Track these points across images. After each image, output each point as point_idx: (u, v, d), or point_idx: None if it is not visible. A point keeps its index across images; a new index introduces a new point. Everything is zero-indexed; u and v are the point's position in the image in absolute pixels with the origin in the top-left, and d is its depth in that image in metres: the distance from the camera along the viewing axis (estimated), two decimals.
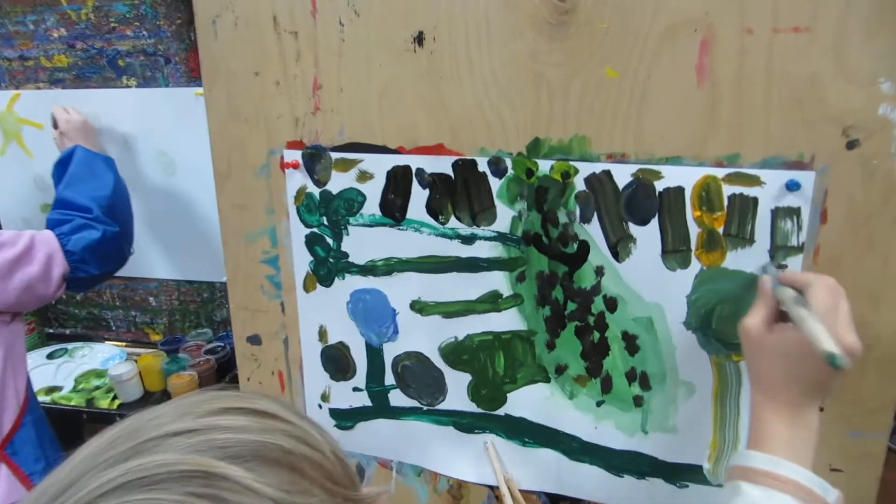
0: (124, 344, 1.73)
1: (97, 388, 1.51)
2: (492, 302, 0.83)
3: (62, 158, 1.23)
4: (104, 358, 1.62)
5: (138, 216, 1.33)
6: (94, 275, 1.12)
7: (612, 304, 0.77)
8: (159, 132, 1.60)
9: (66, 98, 1.59)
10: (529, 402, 0.85)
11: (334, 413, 0.97)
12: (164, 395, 1.44)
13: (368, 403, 0.95)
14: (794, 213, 0.67)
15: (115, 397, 1.46)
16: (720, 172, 0.69)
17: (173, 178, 1.58)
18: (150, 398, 1.47)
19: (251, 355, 1.01)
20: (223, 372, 1.50)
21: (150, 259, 1.64)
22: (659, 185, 0.72)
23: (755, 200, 0.68)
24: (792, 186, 0.66)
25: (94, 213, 1.13)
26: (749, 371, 0.65)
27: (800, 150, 0.66)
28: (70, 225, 1.09)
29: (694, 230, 0.71)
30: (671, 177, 0.71)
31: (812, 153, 0.66)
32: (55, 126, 1.34)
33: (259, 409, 0.41)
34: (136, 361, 1.50)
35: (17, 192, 1.77)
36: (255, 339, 1.00)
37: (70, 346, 1.70)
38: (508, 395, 0.86)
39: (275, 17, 0.84)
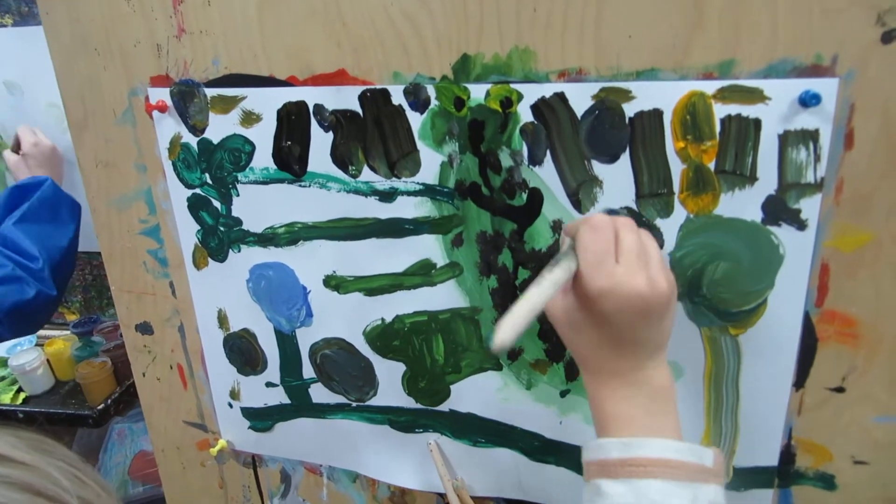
0: None
1: (1, 378, 1.33)
2: (424, 274, 0.66)
3: (24, 185, 1.01)
4: (10, 345, 1.44)
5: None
6: (2, 337, 0.93)
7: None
8: (46, 79, 1.37)
9: None
10: (478, 394, 0.69)
11: (247, 413, 0.81)
12: (77, 386, 1.27)
13: (287, 401, 0.78)
14: (809, 137, 0.50)
15: (20, 390, 1.29)
16: (710, 87, 0.52)
17: (68, 134, 1.37)
18: (62, 388, 1.30)
19: (143, 347, 0.84)
20: None
21: None
22: (629, 109, 0.54)
23: (757, 123, 0.51)
24: (807, 100, 0.49)
25: (39, 265, 0.94)
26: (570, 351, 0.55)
27: (818, 48, 0.49)
28: (1, 271, 0.89)
29: (677, 167, 0.54)
30: (644, 97, 0.53)
31: (834, 53, 0.49)
32: (16, 149, 1.13)
33: None
34: (43, 348, 1.32)
35: None
36: (145, 328, 0.83)
37: None
38: (452, 386, 0.70)
39: None
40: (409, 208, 0.64)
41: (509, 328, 0.44)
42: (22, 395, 1.28)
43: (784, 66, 0.50)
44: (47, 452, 0.36)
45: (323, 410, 0.77)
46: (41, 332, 1.45)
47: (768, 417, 0.60)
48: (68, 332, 1.39)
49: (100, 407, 1.19)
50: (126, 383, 1.26)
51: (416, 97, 0.60)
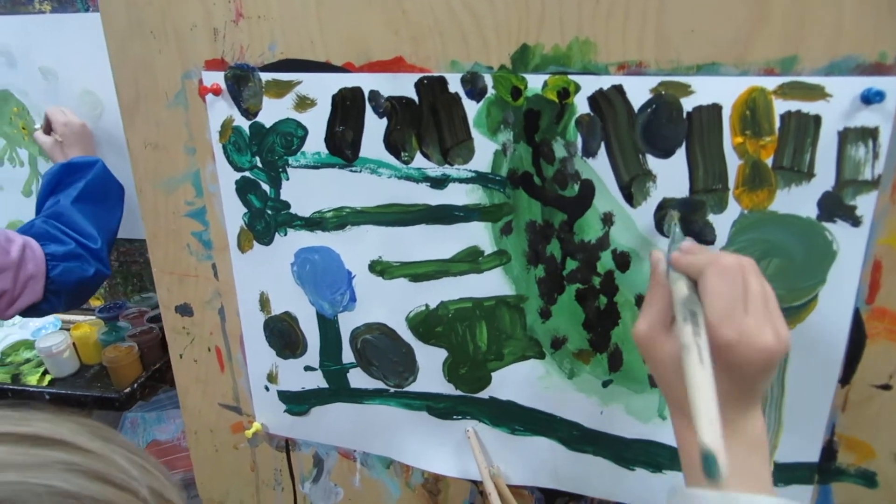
0: None
1: (27, 361, 1.34)
2: (471, 261, 0.67)
3: (75, 163, 1.03)
4: (36, 328, 1.45)
5: None
6: (55, 310, 0.95)
7: (623, 260, 0.61)
8: (82, 67, 1.39)
9: None
10: (519, 382, 0.70)
11: (284, 396, 0.82)
12: (103, 370, 1.28)
13: (324, 385, 0.79)
14: (869, 134, 0.51)
15: (45, 372, 1.30)
16: (771, 83, 0.52)
17: (102, 120, 1.38)
18: (87, 372, 1.31)
19: (182, 328, 0.85)
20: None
21: None
22: (687, 104, 0.55)
23: (817, 119, 0.52)
24: (870, 98, 0.50)
25: (98, 245, 0.96)
26: (658, 385, 0.51)
27: (882, 47, 0.50)
28: (64, 249, 0.91)
29: (734, 162, 0.55)
30: (704, 91, 0.54)
31: None
32: (48, 130, 1.15)
33: (31, 433, 0.30)
34: (69, 331, 1.33)
35: None
36: (185, 309, 0.84)
37: None
38: (493, 374, 0.71)
39: None
40: (460, 195, 0.65)
41: (709, 427, 0.39)
42: (48, 378, 1.29)
43: (847, 63, 0.51)
44: (109, 440, 0.34)
45: (361, 396, 0.78)
46: (66, 317, 1.46)
47: (812, 413, 0.60)
48: (93, 318, 1.40)
49: (126, 390, 1.21)
50: (152, 368, 1.27)
51: (474, 86, 0.61)
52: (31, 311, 0.91)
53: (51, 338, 1.31)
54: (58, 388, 1.27)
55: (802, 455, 0.62)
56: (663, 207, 0.58)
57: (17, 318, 1.52)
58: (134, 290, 1.51)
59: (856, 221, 0.54)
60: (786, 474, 0.63)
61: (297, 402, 0.82)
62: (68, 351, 1.31)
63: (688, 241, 0.53)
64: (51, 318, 1.50)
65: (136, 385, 1.23)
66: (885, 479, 0.61)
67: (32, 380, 1.29)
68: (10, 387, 1.27)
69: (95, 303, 1.55)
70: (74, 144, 1.15)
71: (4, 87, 1.40)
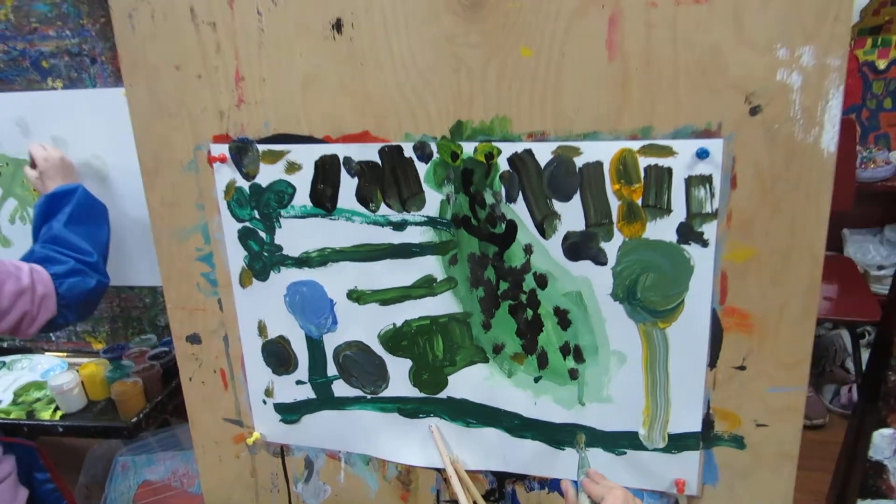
0: (65, 354, 1.72)
1: (38, 399, 1.50)
2: (427, 286, 0.86)
3: (59, 192, 1.18)
4: (45, 369, 1.61)
5: None
6: (69, 322, 1.09)
7: (542, 280, 0.81)
8: (89, 135, 1.58)
9: None
10: (470, 383, 0.89)
11: (279, 408, 1.00)
12: (109, 404, 1.44)
13: (312, 396, 0.97)
14: (706, 180, 0.72)
15: (57, 408, 1.45)
16: (635, 145, 0.73)
17: (106, 182, 1.57)
18: (95, 407, 1.47)
19: (191, 355, 1.03)
20: (169, 377, 1.51)
21: None
22: (578, 161, 0.76)
23: (669, 171, 0.73)
24: (702, 154, 0.71)
25: (95, 258, 1.10)
26: None
27: (708, 118, 0.71)
28: (65, 267, 1.06)
29: (614, 203, 0.76)
30: (589, 152, 0.75)
31: (719, 121, 0.71)
32: (33, 165, 1.30)
33: None
34: (77, 370, 1.49)
35: None
36: (194, 338, 1.02)
37: (8, 358, 1.68)
38: (449, 377, 0.90)
39: (192, 8, 0.86)
40: (416, 235, 0.85)
41: None
42: (59, 414, 1.45)
43: (686, 130, 0.72)
44: None
45: (343, 403, 0.96)
46: (74, 359, 1.62)
47: (691, 392, 0.80)
48: (98, 358, 1.57)
49: (133, 420, 1.36)
50: (154, 400, 1.43)
51: (422, 151, 0.81)
52: (49, 326, 1.06)
53: (61, 377, 1.47)
54: (69, 422, 1.43)
55: (688, 426, 0.81)
56: (567, 239, 0.78)
57: (27, 363, 1.68)
58: (134, 332, 1.69)
59: (704, 243, 0.74)
60: (678, 443, 0.82)
61: (290, 412, 1.00)
62: (77, 388, 1.47)
63: (592, 469, 0.77)
64: (59, 360, 1.66)
65: (141, 415, 1.39)
66: (750, 442, 0.80)
67: (45, 415, 1.45)
68: (27, 422, 1.43)
69: (99, 346, 1.71)
70: (55, 175, 1.28)
71: (19, 155, 1.59)
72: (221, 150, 0.90)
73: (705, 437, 0.81)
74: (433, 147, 0.81)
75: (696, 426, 0.81)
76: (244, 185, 0.91)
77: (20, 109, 1.52)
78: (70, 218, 1.14)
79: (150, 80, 0.91)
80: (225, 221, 0.94)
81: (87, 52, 1.53)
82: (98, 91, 1.50)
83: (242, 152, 0.89)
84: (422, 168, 0.82)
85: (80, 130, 1.55)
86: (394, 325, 0.90)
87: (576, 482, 0.77)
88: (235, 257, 0.95)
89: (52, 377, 1.48)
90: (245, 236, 0.93)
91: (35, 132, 1.54)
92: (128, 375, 1.47)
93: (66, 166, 1.31)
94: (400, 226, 0.85)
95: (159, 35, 0.88)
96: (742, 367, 0.78)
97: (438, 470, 0.96)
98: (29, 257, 1.08)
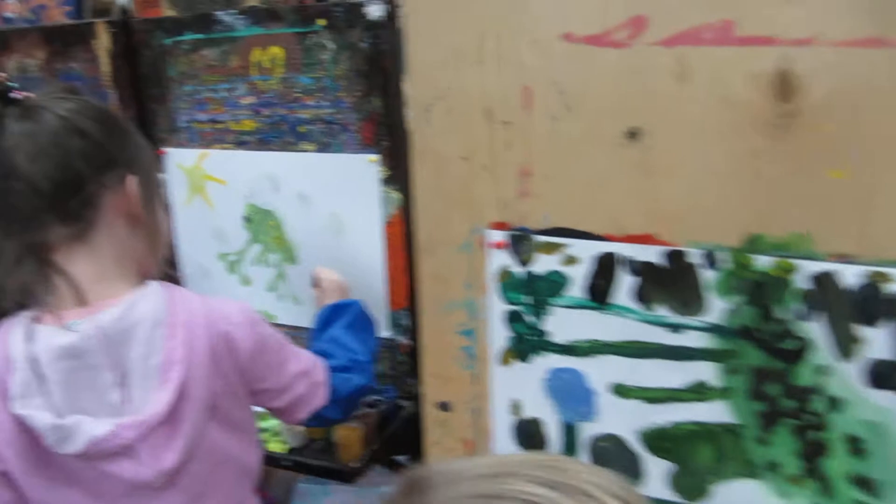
0: None
1: (265, 430, 1.65)
2: (698, 392, 0.87)
3: (341, 305, 1.30)
4: None
5: (308, 272, 1.49)
6: (332, 418, 1.13)
7: (835, 404, 0.79)
8: (331, 194, 1.73)
9: (249, 158, 1.76)
10: (737, 497, 0.87)
11: None
12: (326, 444, 1.56)
13: None
14: None
15: (284, 441, 1.60)
16: None
17: (341, 237, 1.71)
18: (314, 445, 1.59)
19: (440, 421, 1.09)
20: (383, 425, 1.60)
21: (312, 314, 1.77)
22: (890, 288, 0.73)
23: None
24: None
25: (366, 358, 1.17)
26: None
27: None
28: (339, 362, 1.12)
29: None
30: None
31: None
32: (316, 284, 1.45)
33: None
34: None
35: (196, 241, 1.95)
36: (445, 406, 1.08)
37: None
38: (712, 487, 0.89)
39: (488, 109, 0.93)
40: (692, 339, 0.86)
41: None
42: (286, 447, 1.59)
43: None
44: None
45: None
46: None
47: None
48: None
49: (355, 465, 1.47)
50: (371, 448, 1.53)
51: (710, 259, 0.83)
52: (315, 419, 1.10)
53: None
54: (295, 456, 1.56)
55: None
56: (872, 366, 0.76)
57: None
58: None
59: None
60: None
61: None
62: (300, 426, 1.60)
63: None
64: None
65: (361, 461, 1.49)
66: None
67: (275, 448, 1.59)
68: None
69: None
70: (333, 294, 1.39)
71: (266, 206, 1.77)
72: (499, 236, 0.97)
73: None
74: (723, 256, 0.82)
75: None
76: (518, 270, 0.96)
77: (273, 167, 1.70)
78: (348, 325, 1.23)
79: (438, 166, 1.00)
80: (493, 302, 1.00)
81: (340, 122, 1.68)
82: (345, 156, 1.65)
83: (520, 241, 0.95)
84: (706, 275, 0.83)
85: (323, 189, 1.71)
86: (658, 424, 0.91)
87: None
88: (499, 336, 1.00)
89: None
90: (512, 318, 0.98)
91: (284, 188, 1.72)
92: (350, 420, 1.59)
93: (343, 287, 1.42)
94: (676, 328, 0.86)
95: (452, 129, 0.97)
96: None
97: None
98: (311, 349, 1.16)
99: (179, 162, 1.85)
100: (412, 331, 1.55)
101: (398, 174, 1.50)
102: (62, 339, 0.75)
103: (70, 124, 0.76)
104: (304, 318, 1.81)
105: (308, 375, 1.03)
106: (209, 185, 1.82)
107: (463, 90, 0.95)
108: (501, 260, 0.98)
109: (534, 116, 0.90)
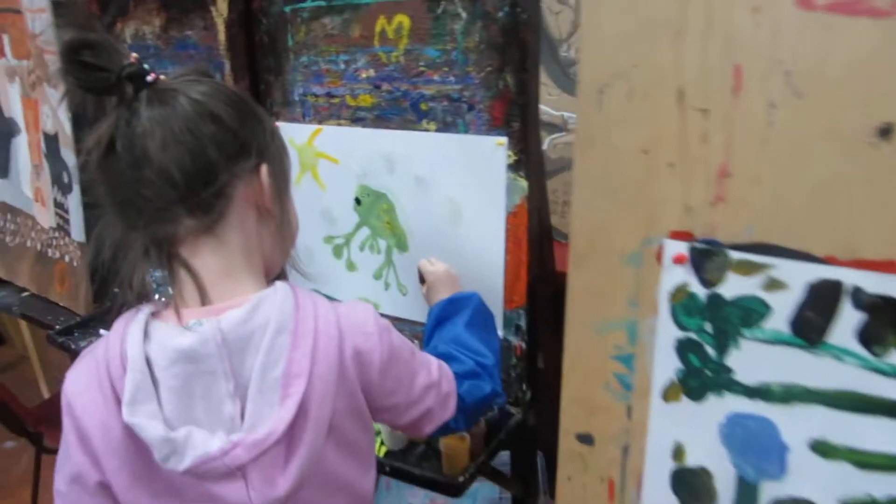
0: None
1: None
2: None
3: (455, 298, 1.20)
4: None
5: (419, 261, 1.38)
6: (458, 428, 1.01)
7: None
8: (451, 178, 1.61)
9: (365, 136, 1.66)
10: None
11: None
12: (427, 449, 1.44)
13: None
14: None
15: (381, 443, 1.48)
16: None
17: (457, 227, 1.58)
18: (415, 450, 1.47)
19: (578, 454, 0.95)
20: (490, 434, 1.47)
21: (424, 304, 1.65)
22: None
23: None
24: None
25: (492, 361, 1.06)
26: None
27: None
28: (465, 367, 1.01)
29: None
30: None
31: None
32: (422, 280, 1.36)
33: None
34: None
35: (305, 223, 1.85)
36: (586, 439, 0.93)
37: None
38: None
39: (681, 91, 0.77)
40: None
41: None
42: (383, 448, 1.48)
43: None
44: None
45: None
46: None
47: None
48: None
49: (461, 479, 1.34)
50: (478, 461, 1.40)
51: None
52: (442, 429, 0.98)
53: None
54: (390, 459, 1.45)
55: None
56: None
57: None
58: None
59: None
60: None
61: None
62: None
63: None
64: None
65: (467, 474, 1.36)
66: None
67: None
68: None
69: None
70: (442, 287, 1.29)
71: (381, 188, 1.66)
72: (679, 248, 0.80)
73: None
74: None
75: None
76: (700, 291, 0.80)
77: (390, 146, 1.59)
78: (469, 322, 1.12)
79: (607, 160, 0.84)
80: (662, 325, 0.83)
81: (467, 99, 1.55)
82: (470, 137, 1.52)
83: (707, 256, 0.78)
84: None
85: (442, 172, 1.58)
86: (871, 496, 0.73)
87: None
88: (666, 366, 0.84)
89: None
90: (686, 347, 0.82)
91: (399, 169, 1.60)
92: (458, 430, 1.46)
93: (452, 277, 1.32)
94: None
95: (631, 115, 0.81)
96: None
97: None
98: (433, 352, 1.06)
99: (291, 137, 1.77)
100: (528, 332, 1.42)
101: (527, 159, 1.37)
102: (180, 340, 0.66)
103: (204, 108, 0.68)
104: (411, 309, 1.71)
105: (437, 386, 0.91)
106: (321, 163, 1.73)
107: (652, 68, 0.78)
108: (679, 276, 0.81)
109: (744, 103, 0.73)
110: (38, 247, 2.12)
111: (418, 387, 0.86)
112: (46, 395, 2.87)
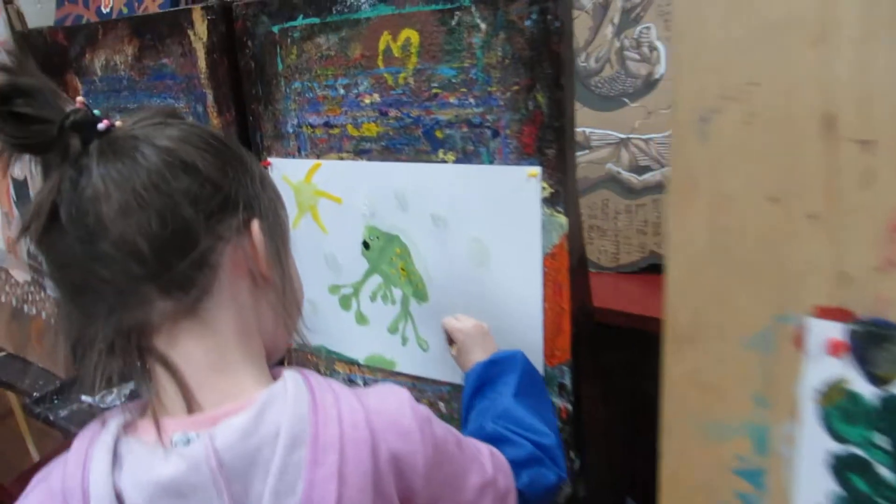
0: None
1: None
2: None
3: (496, 359, 1.02)
4: None
5: (440, 311, 1.16)
6: None
7: None
8: (474, 216, 1.39)
9: (371, 170, 1.46)
10: None
11: None
12: None
13: None
14: None
15: None
16: None
17: (485, 272, 1.36)
18: None
19: None
20: None
21: (448, 360, 1.43)
22: None
23: None
24: None
25: (552, 441, 0.89)
26: None
27: None
28: (523, 453, 0.84)
29: None
30: None
31: None
32: (451, 342, 1.18)
33: None
34: None
35: (306, 272, 1.62)
36: None
37: None
38: None
39: (830, 117, 0.55)
40: None
41: None
42: None
43: None
44: None
45: None
46: None
47: None
48: None
49: None
50: None
51: None
52: None
53: None
54: None
55: None
56: None
57: None
58: None
59: None
60: None
61: None
62: None
63: None
64: None
65: None
66: None
67: None
68: None
69: None
70: (474, 347, 1.11)
71: (391, 230, 1.45)
72: (832, 331, 0.58)
73: None
74: None
75: None
76: (865, 391, 0.58)
77: (402, 181, 1.38)
78: (517, 390, 0.93)
79: (717, 211, 0.62)
80: (807, 434, 0.61)
81: (490, 124, 1.33)
82: (496, 168, 1.31)
83: (874, 341, 0.56)
84: None
85: (464, 209, 1.37)
86: None
87: None
88: (813, 490, 0.62)
89: None
90: (846, 466, 0.60)
91: (413, 207, 1.40)
92: None
93: (484, 333, 1.14)
94: None
95: (752, 148, 0.59)
96: None
97: None
98: (477, 432, 0.85)
99: (286, 175, 1.58)
100: (573, 391, 1.21)
101: (564, 191, 1.17)
102: (161, 468, 0.52)
103: (174, 157, 0.55)
104: (433, 367, 1.49)
105: (493, 484, 0.73)
106: (321, 202, 1.52)
107: (781, 87, 0.56)
108: (833, 370, 0.59)
109: None
110: (14, 302, 1.98)
111: (471, 488, 0.69)
112: (33, 449, 2.69)
